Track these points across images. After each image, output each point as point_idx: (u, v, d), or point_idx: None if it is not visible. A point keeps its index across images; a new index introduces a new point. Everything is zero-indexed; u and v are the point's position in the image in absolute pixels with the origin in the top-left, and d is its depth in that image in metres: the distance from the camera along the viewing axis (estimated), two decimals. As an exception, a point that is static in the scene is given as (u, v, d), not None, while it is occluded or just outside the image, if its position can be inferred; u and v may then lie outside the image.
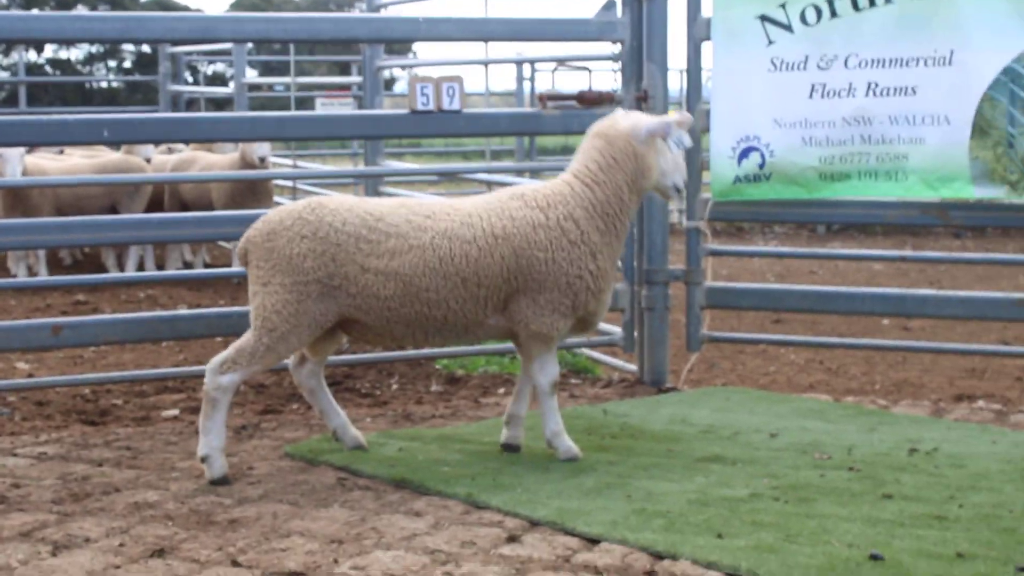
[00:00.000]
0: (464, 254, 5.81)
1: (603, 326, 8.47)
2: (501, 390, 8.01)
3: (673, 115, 6.17)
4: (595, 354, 8.75)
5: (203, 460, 5.82)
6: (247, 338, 5.83)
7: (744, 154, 7.79)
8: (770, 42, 7.66)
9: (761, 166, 7.75)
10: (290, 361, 6.23)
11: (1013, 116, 7.27)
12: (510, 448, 6.24)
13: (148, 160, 13.07)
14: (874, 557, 4.72)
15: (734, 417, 7.04)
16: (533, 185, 6.11)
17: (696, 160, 8.01)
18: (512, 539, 5.02)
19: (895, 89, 7.51)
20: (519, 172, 10.94)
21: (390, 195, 11.57)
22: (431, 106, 7.36)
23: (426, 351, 8.01)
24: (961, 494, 5.57)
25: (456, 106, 7.38)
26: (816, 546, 4.82)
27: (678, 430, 6.72)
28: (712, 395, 7.71)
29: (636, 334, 8.14)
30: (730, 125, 7.80)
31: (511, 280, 5.86)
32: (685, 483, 5.69)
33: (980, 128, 7.33)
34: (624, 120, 6.03)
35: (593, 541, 4.98)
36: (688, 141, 6.07)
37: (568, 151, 24.86)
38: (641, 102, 7.86)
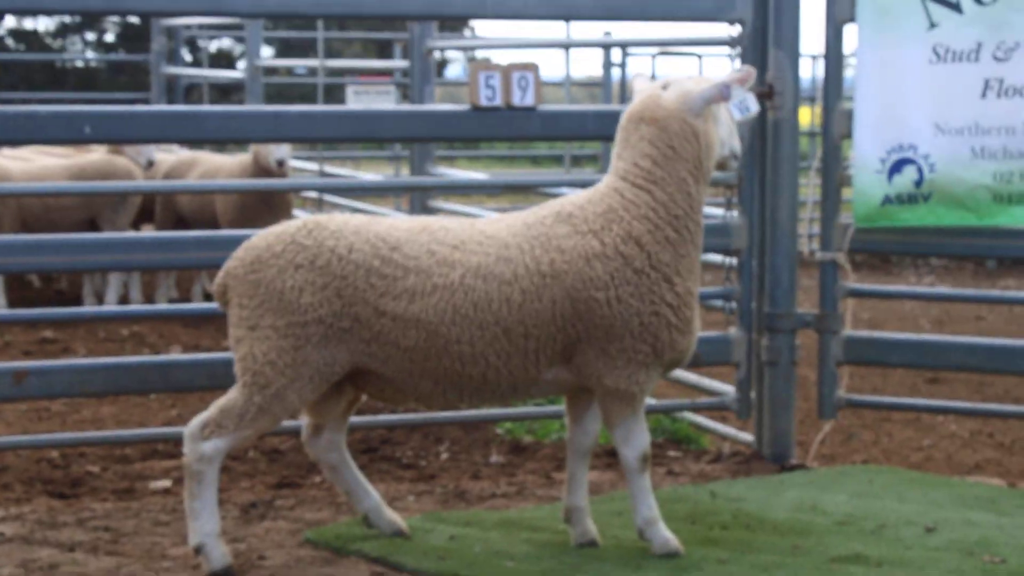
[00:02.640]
0: (504, 299, 5.75)
1: (712, 385, 8.49)
2: (581, 463, 8.01)
3: (731, 73, 6.12)
4: (701, 419, 8.74)
5: (197, 551, 5.84)
6: (233, 396, 5.83)
7: (896, 168, 7.77)
8: (932, 25, 7.65)
9: (918, 183, 7.73)
10: (303, 430, 6.26)
11: None
12: (585, 545, 6.18)
13: (150, 164, 13.08)
14: None
15: (879, 505, 6.99)
16: (576, 198, 5.99)
17: (834, 174, 8.00)
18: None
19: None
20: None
21: (439, 210, 11.65)
22: (498, 101, 7.40)
23: (485, 411, 8.05)
24: None
25: (530, 102, 7.42)
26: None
27: (807, 520, 6.69)
28: (850, 475, 7.66)
29: (753, 395, 8.12)
30: (879, 131, 7.79)
31: (567, 329, 5.79)
32: (816, 590, 5.67)
33: None
34: (668, 94, 5.92)
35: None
36: (754, 105, 6.07)
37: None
38: (765, 99, 7.86)
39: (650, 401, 8.63)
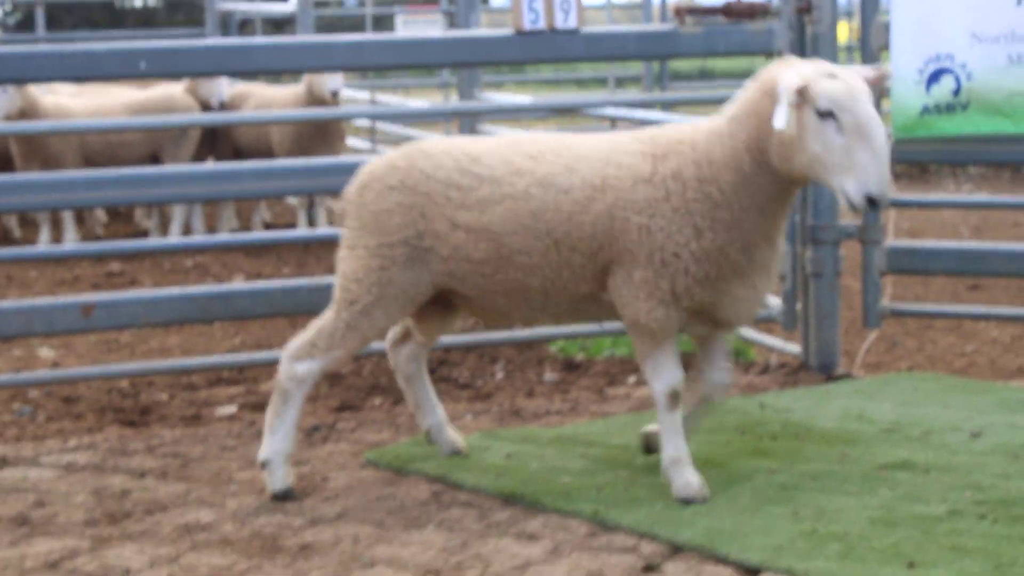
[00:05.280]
0: (556, 207, 5.66)
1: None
2: (632, 378, 7.95)
3: (858, 71, 5.43)
4: (749, 333, 8.64)
5: (263, 466, 5.84)
6: (327, 314, 5.88)
7: (934, 78, 7.64)
8: (967, -65, 7.51)
9: (956, 92, 7.60)
10: (388, 337, 6.24)
11: None
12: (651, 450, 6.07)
13: (221, 104, 12.98)
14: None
15: (924, 411, 6.91)
16: (680, 124, 5.80)
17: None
18: (650, 568, 5.00)
19: None
20: (648, 105, 10.84)
21: (490, 134, 11.55)
22: (541, 24, 7.33)
23: (538, 330, 7.98)
24: None
25: (572, 24, 7.35)
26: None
27: (854, 429, 6.62)
28: (896, 383, 7.58)
29: (799, 307, 8.02)
30: (916, 42, 7.66)
31: (603, 246, 5.64)
32: (866, 497, 5.61)
33: None
34: (797, 65, 5.43)
35: (752, 571, 4.95)
36: (781, 121, 5.19)
37: (708, 76, 24.71)
38: (803, 14, 7.74)
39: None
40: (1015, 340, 9.46)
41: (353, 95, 16.25)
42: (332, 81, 12.14)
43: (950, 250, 8.39)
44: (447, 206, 5.73)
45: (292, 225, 13.62)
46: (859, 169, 5.17)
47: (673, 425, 5.70)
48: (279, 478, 5.82)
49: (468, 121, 11.72)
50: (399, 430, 6.87)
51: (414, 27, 14.63)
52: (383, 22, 19.14)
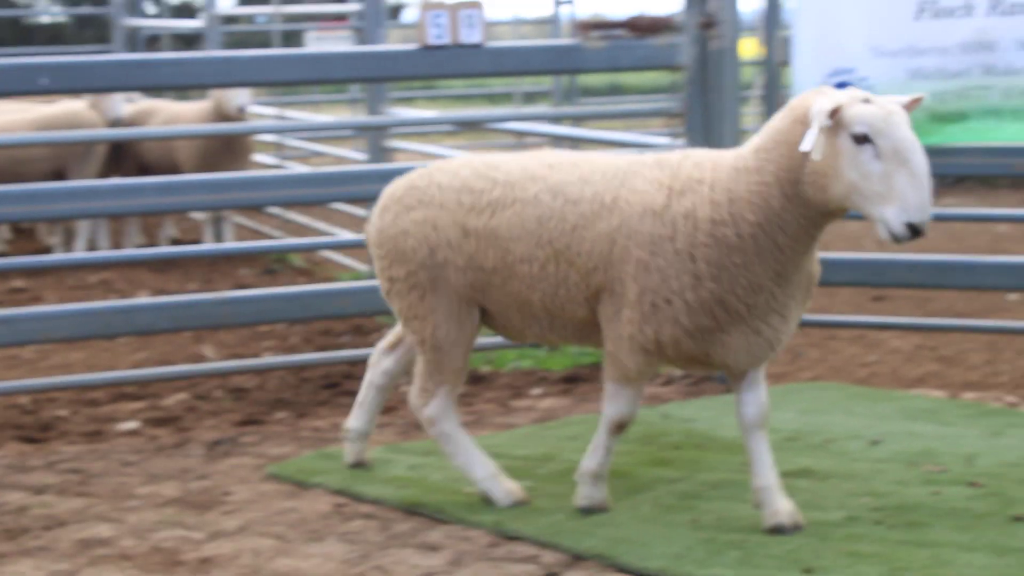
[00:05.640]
0: (562, 216, 5.44)
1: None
2: (537, 390, 7.97)
3: (892, 98, 5.04)
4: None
5: (483, 493, 5.81)
6: (420, 359, 5.87)
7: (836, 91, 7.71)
8: (866, -50, 7.60)
9: (857, 106, 7.67)
10: (379, 344, 6.34)
11: None
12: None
13: (116, 121, 12.90)
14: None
15: (826, 420, 6.97)
16: (708, 151, 5.47)
17: (775, 101, 7.93)
18: (550, 578, 5.00)
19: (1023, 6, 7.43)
20: (556, 119, 10.91)
21: (397, 151, 11.56)
22: (446, 39, 7.33)
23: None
24: None
25: (476, 39, 7.36)
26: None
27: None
28: (798, 393, 7.65)
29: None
30: (818, 56, 7.75)
31: (597, 268, 5.39)
32: (765, 505, 5.65)
33: None
34: (833, 93, 5.07)
35: (652, 579, 4.96)
36: (808, 143, 4.91)
37: (620, 91, 24.82)
38: (706, 29, 7.80)
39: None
40: (917, 350, 9.55)
41: (263, 110, 16.21)
42: (239, 97, 12.09)
43: (854, 261, 8.45)
44: (459, 211, 5.58)
45: (197, 241, 13.54)
46: (899, 196, 4.83)
47: (605, 445, 5.57)
48: (506, 492, 5.75)
49: (374, 136, 11.70)
50: (302, 444, 6.85)
51: (325, 44, 14.59)
52: (293, 39, 19.08)
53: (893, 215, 4.84)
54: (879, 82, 7.60)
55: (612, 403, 5.51)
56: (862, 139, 4.87)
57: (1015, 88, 7.43)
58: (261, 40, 22.79)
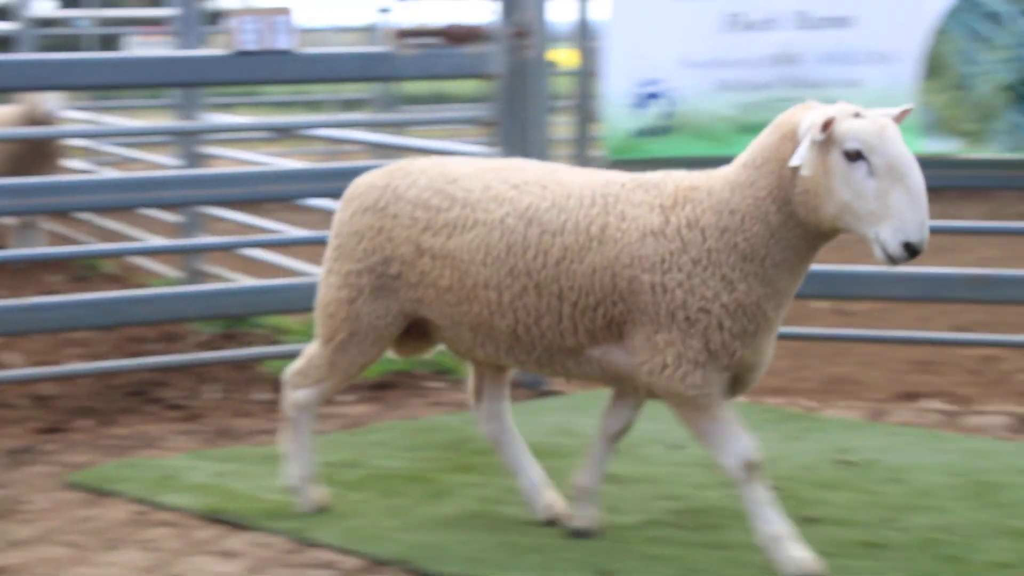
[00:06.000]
0: (542, 249, 5.12)
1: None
2: (348, 397, 7.95)
3: (881, 112, 4.78)
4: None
5: (291, 492, 5.74)
6: (315, 345, 5.67)
7: (645, 101, 7.84)
8: (674, -38, 7.72)
9: (665, 116, 7.79)
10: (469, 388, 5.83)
11: (970, 53, 7.37)
12: (579, 534, 5.45)
13: None
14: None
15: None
16: (688, 173, 5.17)
17: (587, 111, 8.03)
18: (347, 584, 5.02)
19: (828, 20, 7.59)
20: (375, 126, 10.88)
21: (212, 158, 11.46)
22: (256, 45, 7.31)
23: (253, 350, 7.95)
24: (900, 515, 5.66)
25: (288, 45, 7.35)
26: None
27: (560, 443, 6.73)
28: (603, 398, 7.68)
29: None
30: (628, 66, 7.86)
31: (608, 303, 5.05)
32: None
33: (932, 68, 7.43)
34: (821, 107, 4.85)
35: (449, 583, 4.99)
36: (798, 158, 4.69)
37: (444, 100, 24.84)
38: (519, 38, 7.86)
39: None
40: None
41: (78, 116, 15.97)
42: (49, 101, 11.91)
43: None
44: (413, 228, 5.33)
45: (4, 246, 13.28)
46: (895, 215, 4.58)
47: (759, 500, 5.00)
48: (309, 500, 5.69)
49: (187, 142, 11.60)
50: (104, 452, 6.77)
51: (147, 49, 14.44)
52: (110, 43, 18.85)
53: (890, 235, 4.59)
54: (687, 93, 7.74)
55: (722, 451, 5.04)
56: (855, 156, 4.63)
57: (818, 100, 7.58)
58: (81, 45, 22.47)
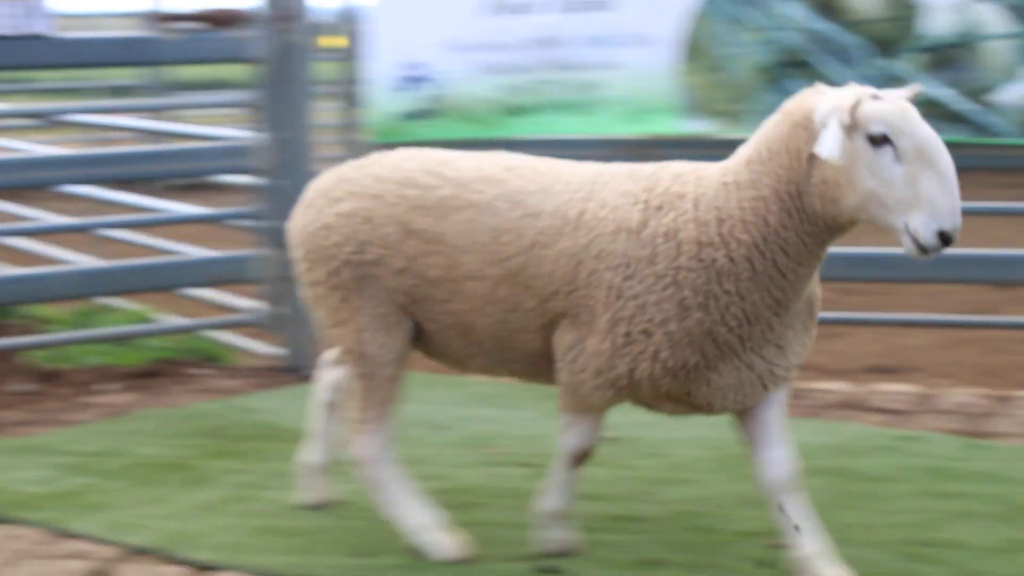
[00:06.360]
0: (518, 231, 4.78)
1: (242, 303, 8.45)
2: (112, 386, 7.85)
3: (894, 92, 4.44)
4: (233, 338, 8.66)
5: (422, 546, 5.06)
6: (352, 382, 5.18)
7: (412, 84, 7.86)
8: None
9: (432, 99, 7.83)
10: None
11: (727, 36, 7.51)
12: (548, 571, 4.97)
13: None
14: (546, 572, 4.84)
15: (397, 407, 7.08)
16: (682, 170, 4.76)
17: (354, 96, 8.02)
18: (100, 573, 4.95)
19: (589, 3, 7.68)
20: (139, 112, 10.72)
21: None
22: (13, 30, 7.19)
23: (12, 340, 7.80)
24: (656, 489, 5.78)
25: (45, 29, 7.24)
26: (482, 562, 4.94)
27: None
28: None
29: (282, 310, 8.07)
30: (394, 50, 7.87)
31: (558, 293, 4.72)
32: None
33: (691, 50, 7.56)
34: (835, 90, 4.47)
35: (206, 569, 4.97)
36: (831, 147, 4.26)
37: (223, 85, 24.55)
38: (282, 22, 7.82)
39: (182, 321, 8.56)
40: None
41: None
42: None
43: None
44: (400, 206, 4.87)
45: None
46: (927, 202, 4.20)
47: (564, 480, 4.97)
48: (444, 546, 5.00)
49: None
50: None
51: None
52: None
53: (922, 224, 4.21)
54: (453, 77, 7.78)
55: (569, 434, 4.89)
56: (881, 140, 4.26)
57: (578, 83, 7.69)
58: None
